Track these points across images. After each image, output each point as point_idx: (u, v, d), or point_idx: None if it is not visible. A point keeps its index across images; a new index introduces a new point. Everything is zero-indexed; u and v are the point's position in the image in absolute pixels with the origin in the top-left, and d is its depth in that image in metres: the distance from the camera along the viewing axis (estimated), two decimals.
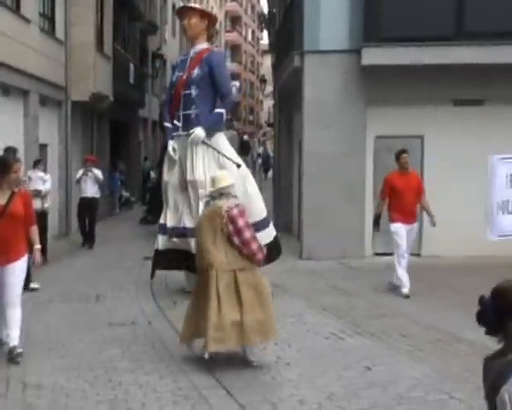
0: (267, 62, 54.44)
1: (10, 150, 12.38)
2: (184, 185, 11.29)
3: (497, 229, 2.52)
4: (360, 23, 14.51)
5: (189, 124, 11.20)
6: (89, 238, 18.07)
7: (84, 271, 14.36)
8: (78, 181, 17.90)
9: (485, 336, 3.08)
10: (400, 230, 11.65)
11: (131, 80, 28.20)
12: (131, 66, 28.39)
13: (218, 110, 11.34)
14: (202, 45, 11.68)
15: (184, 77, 11.36)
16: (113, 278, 13.43)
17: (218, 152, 11.10)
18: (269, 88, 43.62)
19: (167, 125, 11.74)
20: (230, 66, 74.84)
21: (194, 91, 11.25)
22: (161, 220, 11.68)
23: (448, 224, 14.23)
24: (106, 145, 25.77)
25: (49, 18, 19.72)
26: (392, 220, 11.70)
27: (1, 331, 8.14)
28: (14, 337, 7.87)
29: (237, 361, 7.60)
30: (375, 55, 14.21)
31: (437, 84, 14.53)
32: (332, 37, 14.84)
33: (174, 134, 11.42)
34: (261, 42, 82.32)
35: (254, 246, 7.33)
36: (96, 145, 23.96)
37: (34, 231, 8.16)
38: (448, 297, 10.68)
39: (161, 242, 11.52)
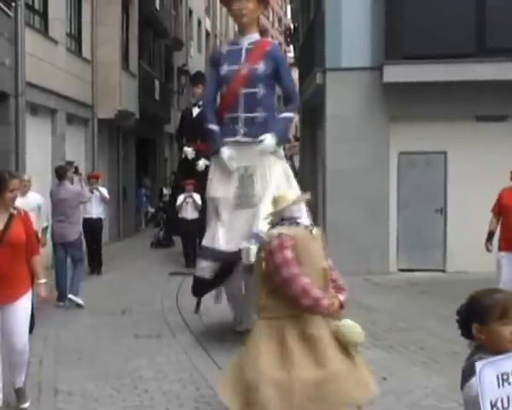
0: (294, 75, 54.95)
1: (67, 164, 13.02)
2: (246, 202, 9.60)
3: None
4: (381, 41, 15.03)
5: (252, 129, 9.80)
6: (96, 264, 16.39)
7: (111, 285, 14.89)
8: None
9: None
10: (502, 260, 10.24)
11: (157, 96, 28.90)
12: (157, 82, 29.11)
13: (287, 114, 10.05)
14: (256, 36, 10.33)
15: (244, 72, 9.85)
16: (139, 292, 13.95)
17: (292, 166, 10.32)
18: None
19: (214, 127, 10.13)
20: None
21: (260, 90, 9.81)
22: (208, 243, 9.86)
23: (473, 240, 14.60)
24: (132, 162, 26.44)
25: (75, 38, 20.49)
26: (498, 247, 10.42)
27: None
28: (20, 380, 7.02)
29: None
30: (396, 73, 14.71)
31: (459, 101, 14.97)
32: (354, 54, 15.36)
33: (229, 140, 9.91)
34: (288, 54, 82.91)
35: (297, 287, 5.41)
36: (122, 162, 24.63)
37: (37, 261, 6.99)
38: None
39: (209, 269, 9.68)
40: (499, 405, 2.91)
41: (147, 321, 11.21)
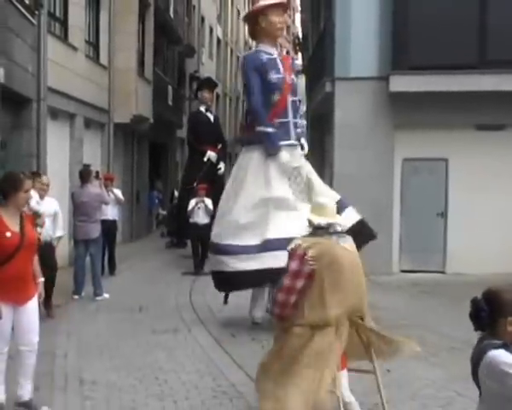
0: (301, 83, 55.27)
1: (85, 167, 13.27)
2: (301, 198, 10.07)
3: None
4: (388, 52, 15.44)
5: (296, 134, 10.59)
6: (110, 264, 16.41)
7: (127, 284, 15.25)
8: None
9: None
10: None
11: (170, 102, 29.23)
12: (170, 88, 29.44)
13: (305, 122, 11.15)
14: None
15: (289, 81, 10.56)
16: (154, 290, 14.31)
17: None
18: (302, 108, 44.37)
19: (271, 130, 10.45)
20: None
21: (298, 99, 10.72)
22: (240, 242, 10.08)
23: (472, 243, 15.07)
24: (145, 165, 26.82)
25: (94, 45, 20.87)
26: None
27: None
28: (29, 391, 6.77)
29: None
30: (402, 83, 15.09)
31: (461, 110, 15.34)
32: (362, 64, 15.72)
33: (284, 143, 10.41)
34: (296, 62, 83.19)
35: (278, 296, 5.67)
36: (135, 165, 25.01)
37: (36, 260, 6.92)
38: (467, 310, 11.41)
39: (244, 262, 9.97)
40: None
41: (163, 317, 11.56)
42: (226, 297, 11.35)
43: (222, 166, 19.35)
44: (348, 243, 5.77)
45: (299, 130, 10.59)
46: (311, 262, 5.47)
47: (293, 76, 10.67)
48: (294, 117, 10.57)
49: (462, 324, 10.47)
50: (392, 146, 15.95)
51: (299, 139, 10.57)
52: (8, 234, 6.38)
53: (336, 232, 5.71)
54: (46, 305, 10.72)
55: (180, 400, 7.28)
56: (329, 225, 5.68)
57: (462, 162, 15.73)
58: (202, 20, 40.03)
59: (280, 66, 10.55)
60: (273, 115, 10.49)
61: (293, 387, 5.49)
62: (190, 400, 7.28)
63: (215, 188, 17.87)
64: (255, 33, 10.94)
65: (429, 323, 10.97)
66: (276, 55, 10.75)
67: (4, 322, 6.40)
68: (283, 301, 5.64)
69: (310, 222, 5.81)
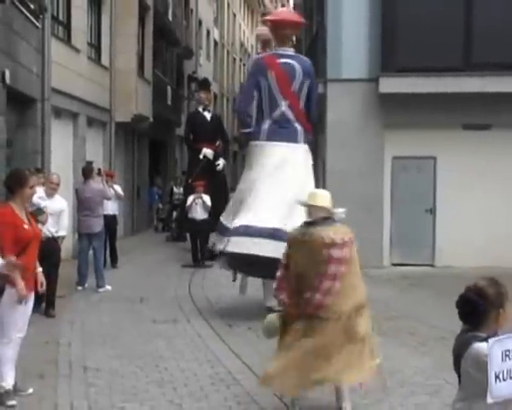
0: None
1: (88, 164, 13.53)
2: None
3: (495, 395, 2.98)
4: (378, 55, 15.51)
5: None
6: (112, 257, 16.35)
7: (128, 276, 15.26)
8: None
9: None
10: None
11: (169, 102, 29.27)
12: (169, 88, 29.48)
13: None
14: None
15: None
16: (154, 282, 14.35)
17: None
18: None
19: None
20: None
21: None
22: (241, 222, 10.59)
23: (459, 237, 15.14)
24: (145, 162, 26.86)
25: (95, 47, 20.90)
26: None
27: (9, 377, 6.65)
28: (13, 376, 6.71)
29: (264, 347, 8.39)
30: (391, 84, 15.15)
31: (448, 111, 15.41)
32: (353, 67, 15.78)
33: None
34: None
35: (323, 283, 5.96)
36: (136, 162, 25.04)
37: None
38: (454, 301, 11.49)
39: (247, 244, 10.34)
40: (501, 376, 3.33)
41: (163, 308, 11.60)
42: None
43: (221, 162, 19.33)
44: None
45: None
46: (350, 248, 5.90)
47: None
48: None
49: (450, 315, 10.62)
50: (382, 145, 16.00)
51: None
52: (26, 226, 6.51)
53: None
54: (48, 302, 10.65)
55: (179, 386, 7.32)
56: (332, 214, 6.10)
57: (450, 160, 15.79)
58: (200, 23, 40.01)
59: None
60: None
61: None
62: (189, 386, 7.32)
63: (213, 184, 17.93)
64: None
65: (419, 314, 11.04)
66: None
67: (17, 310, 6.45)
68: (328, 288, 5.84)
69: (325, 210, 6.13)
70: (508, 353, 3.34)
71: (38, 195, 9.99)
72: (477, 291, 3.70)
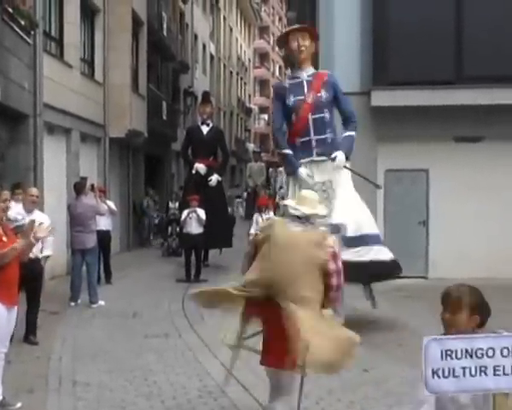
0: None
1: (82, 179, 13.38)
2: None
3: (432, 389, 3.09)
4: (370, 68, 15.70)
5: (324, 149, 11.03)
6: (106, 273, 16.39)
7: (122, 291, 15.38)
8: None
9: None
10: None
11: (164, 117, 29.37)
12: (164, 103, 29.62)
13: (350, 133, 11.41)
14: (312, 68, 11.55)
15: (310, 101, 11.05)
16: (148, 297, 14.46)
17: (361, 175, 11.59)
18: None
19: (288, 151, 11.19)
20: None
21: (326, 114, 11.10)
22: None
23: (452, 249, 15.31)
24: (141, 177, 26.95)
25: (88, 62, 21.10)
26: None
27: None
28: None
29: (254, 361, 8.54)
30: (382, 98, 15.34)
31: (440, 123, 15.59)
32: (345, 80, 15.73)
33: (304, 161, 11.06)
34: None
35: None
36: (131, 177, 25.17)
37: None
38: None
39: None
40: (440, 373, 3.54)
41: (155, 323, 11.76)
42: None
43: (214, 177, 19.35)
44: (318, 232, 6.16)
45: (328, 145, 11.00)
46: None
47: (323, 93, 11.06)
48: (319, 134, 11.03)
49: (440, 326, 10.83)
50: (375, 158, 16.16)
51: (326, 154, 10.93)
52: (5, 238, 6.66)
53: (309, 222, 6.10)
54: (28, 329, 10.07)
55: (167, 399, 7.48)
56: (304, 216, 6.05)
57: (442, 173, 15.96)
58: (195, 37, 40.28)
59: (304, 87, 11.09)
60: (293, 136, 11.21)
61: None
62: (177, 399, 7.48)
63: (206, 199, 18.02)
64: (286, 61, 11.73)
65: (409, 325, 11.18)
66: (302, 78, 11.24)
67: (3, 323, 6.59)
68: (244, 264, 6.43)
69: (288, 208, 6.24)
70: (450, 353, 3.54)
71: (16, 211, 9.69)
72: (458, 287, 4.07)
